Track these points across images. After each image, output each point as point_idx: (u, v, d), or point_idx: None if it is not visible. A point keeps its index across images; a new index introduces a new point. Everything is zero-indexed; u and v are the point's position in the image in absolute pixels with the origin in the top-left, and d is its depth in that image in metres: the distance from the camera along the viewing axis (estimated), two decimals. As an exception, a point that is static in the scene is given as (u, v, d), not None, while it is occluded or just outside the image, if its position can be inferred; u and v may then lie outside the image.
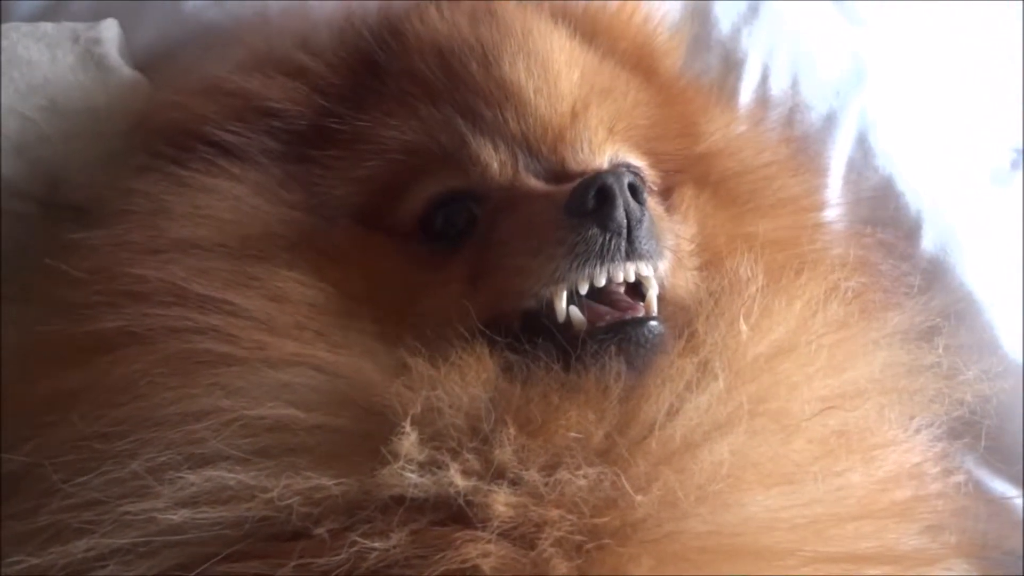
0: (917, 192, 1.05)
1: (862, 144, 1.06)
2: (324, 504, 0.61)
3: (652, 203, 0.75)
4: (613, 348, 0.66)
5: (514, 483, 0.61)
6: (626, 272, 0.69)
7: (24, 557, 0.62)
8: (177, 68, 0.92)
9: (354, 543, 0.59)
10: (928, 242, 1.03)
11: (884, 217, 1.03)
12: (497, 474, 0.61)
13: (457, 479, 0.61)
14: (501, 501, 0.60)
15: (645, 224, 0.69)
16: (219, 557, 0.60)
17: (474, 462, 0.62)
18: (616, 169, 0.74)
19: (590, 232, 0.67)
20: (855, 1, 1.18)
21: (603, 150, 0.80)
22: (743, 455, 0.63)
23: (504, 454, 0.62)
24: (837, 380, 0.70)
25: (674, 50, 0.99)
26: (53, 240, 0.77)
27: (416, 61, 0.81)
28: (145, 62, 0.93)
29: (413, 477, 0.60)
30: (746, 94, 1.06)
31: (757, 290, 0.73)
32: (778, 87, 1.07)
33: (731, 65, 1.07)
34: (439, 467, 0.61)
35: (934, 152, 1.09)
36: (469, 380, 0.65)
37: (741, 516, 0.61)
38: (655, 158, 0.85)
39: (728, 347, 0.69)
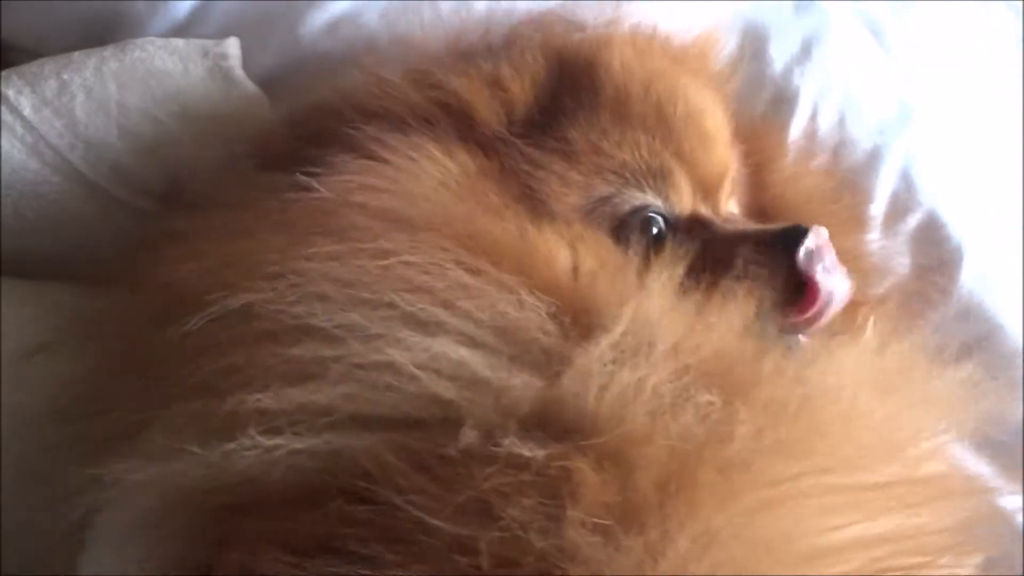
0: (959, 225, 1.10)
1: (905, 179, 1.12)
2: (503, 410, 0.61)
3: None
4: None
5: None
6: None
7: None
8: (290, 90, 1.00)
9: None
10: (967, 273, 1.08)
11: (927, 248, 1.08)
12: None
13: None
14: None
15: None
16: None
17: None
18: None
19: None
20: (900, 49, 1.24)
21: (729, 201, 0.94)
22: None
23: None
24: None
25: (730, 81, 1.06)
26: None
27: (624, 91, 0.89)
28: (261, 82, 1.01)
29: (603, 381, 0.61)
30: (796, 129, 1.13)
31: None
32: (826, 123, 1.13)
33: (783, 101, 1.14)
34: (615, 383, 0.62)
35: (975, 190, 1.14)
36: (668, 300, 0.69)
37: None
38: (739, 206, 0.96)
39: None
